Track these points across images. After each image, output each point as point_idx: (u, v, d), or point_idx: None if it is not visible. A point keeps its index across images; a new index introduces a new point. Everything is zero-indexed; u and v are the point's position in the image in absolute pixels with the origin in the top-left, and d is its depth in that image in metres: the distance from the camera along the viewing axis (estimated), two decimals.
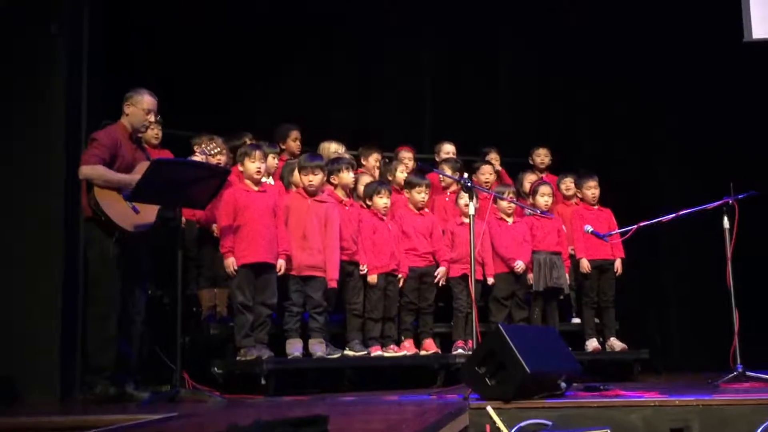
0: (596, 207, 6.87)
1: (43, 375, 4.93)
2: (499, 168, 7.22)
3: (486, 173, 6.84)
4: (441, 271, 6.25)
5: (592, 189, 6.86)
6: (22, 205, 5.06)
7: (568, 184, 7.12)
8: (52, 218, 5.09)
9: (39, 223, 5.08)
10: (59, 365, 4.98)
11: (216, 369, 5.37)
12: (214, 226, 5.65)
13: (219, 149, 5.41)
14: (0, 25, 5.10)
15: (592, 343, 6.60)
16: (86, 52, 5.40)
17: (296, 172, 5.84)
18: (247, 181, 5.56)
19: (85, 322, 4.92)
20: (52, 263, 5.06)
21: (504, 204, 6.46)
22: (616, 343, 6.64)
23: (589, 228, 6.07)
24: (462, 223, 6.31)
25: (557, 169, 7.44)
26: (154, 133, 5.98)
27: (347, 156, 6.33)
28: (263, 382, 5.10)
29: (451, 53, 8.20)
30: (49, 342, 4.98)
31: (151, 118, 4.94)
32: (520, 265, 6.39)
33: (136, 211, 4.67)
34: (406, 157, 6.91)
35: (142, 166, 4.72)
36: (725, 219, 5.40)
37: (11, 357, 4.87)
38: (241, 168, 5.57)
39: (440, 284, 6.29)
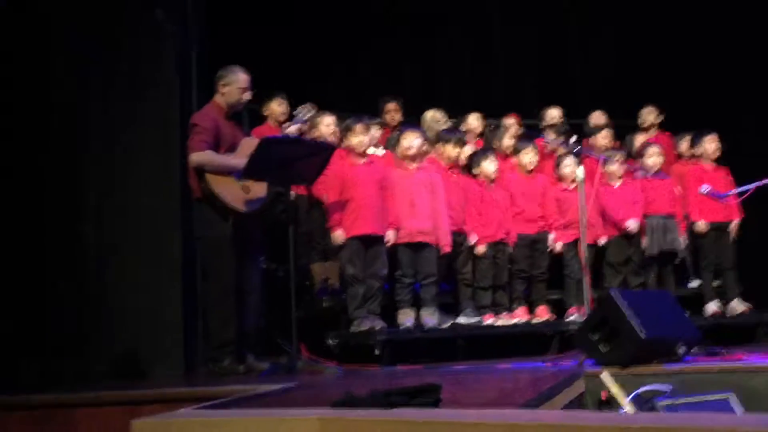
0: (713, 166, 6.60)
1: (168, 351, 5.12)
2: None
3: (605, 137, 6.70)
4: (551, 239, 6.19)
5: (713, 143, 6.56)
6: (141, 187, 5.24)
7: (683, 146, 6.84)
8: (170, 199, 5.27)
9: (158, 205, 5.25)
10: (183, 341, 5.18)
11: (331, 340, 5.49)
12: (324, 196, 5.71)
13: (312, 111, 5.47)
14: (108, 16, 5.24)
15: (711, 307, 6.38)
16: (194, 34, 5.52)
17: (398, 144, 5.84)
18: (353, 155, 5.62)
19: (206, 299, 5.10)
20: (172, 243, 5.24)
21: (613, 168, 6.31)
22: (738, 306, 6.39)
23: (705, 188, 5.83)
24: (565, 189, 6.22)
25: (667, 128, 7.19)
26: (282, 110, 6.11)
27: (457, 130, 6.30)
28: (377, 352, 5.19)
29: (555, 17, 8.03)
30: (173, 319, 5.18)
31: (247, 95, 4.98)
32: (631, 224, 6.23)
33: (248, 190, 4.78)
34: (513, 123, 6.84)
35: (245, 143, 4.81)
36: None
37: (138, 334, 5.07)
38: (345, 143, 5.63)
39: (554, 252, 6.22)
